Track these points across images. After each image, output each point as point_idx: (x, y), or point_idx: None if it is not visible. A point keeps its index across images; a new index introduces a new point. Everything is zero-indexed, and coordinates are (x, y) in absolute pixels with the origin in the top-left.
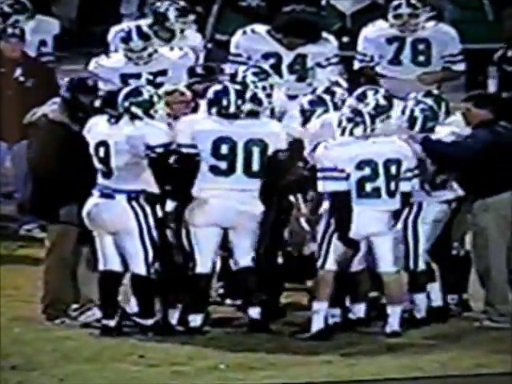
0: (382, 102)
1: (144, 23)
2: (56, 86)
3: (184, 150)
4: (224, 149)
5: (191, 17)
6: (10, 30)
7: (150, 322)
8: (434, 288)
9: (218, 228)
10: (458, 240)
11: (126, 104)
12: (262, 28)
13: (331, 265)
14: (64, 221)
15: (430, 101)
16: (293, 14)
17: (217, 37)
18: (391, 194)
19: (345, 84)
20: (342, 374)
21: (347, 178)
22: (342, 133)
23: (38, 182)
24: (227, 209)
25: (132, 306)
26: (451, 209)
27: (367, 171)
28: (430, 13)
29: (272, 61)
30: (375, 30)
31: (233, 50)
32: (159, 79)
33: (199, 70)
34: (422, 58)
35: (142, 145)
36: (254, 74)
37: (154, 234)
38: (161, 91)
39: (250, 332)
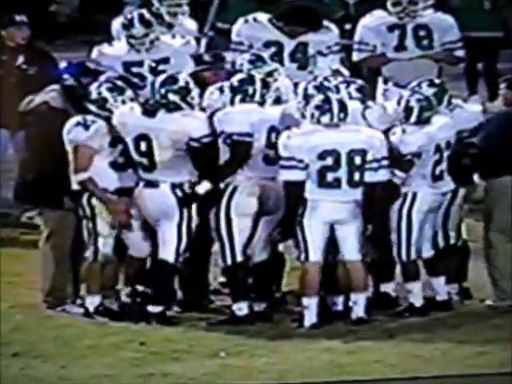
0: (355, 94)
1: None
2: None
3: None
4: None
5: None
6: (18, 18)
7: (157, 309)
8: (440, 281)
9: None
10: (454, 229)
11: (163, 91)
12: (263, 16)
13: (314, 256)
14: (68, 208)
15: (430, 90)
16: (294, 3)
17: (218, 25)
18: (353, 185)
19: (346, 72)
20: (343, 361)
21: (305, 167)
22: (311, 119)
23: (39, 169)
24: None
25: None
26: (446, 199)
27: (329, 161)
28: (429, 0)
29: (273, 49)
30: (374, 20)
31: (234, 38)
32: (161, 67)
33: (207, 58)
34: (425, 42)
35: (186, 138)
36: (250, 61)
37: (193, 224)
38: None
39: (253, 321)
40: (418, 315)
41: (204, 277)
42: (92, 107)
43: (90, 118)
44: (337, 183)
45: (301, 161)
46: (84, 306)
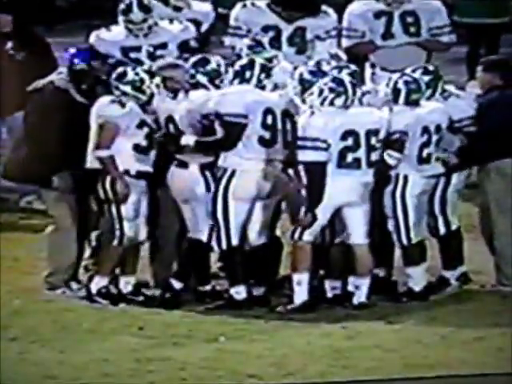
0: (347, 79)
1: None
2: (52, 59)
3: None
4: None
5: None
6: None
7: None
8: (417, 271)
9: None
10: (453, 215)
11: (192, 71)
12: (261, 1)
13: (308, 235)
14: (56, 187)
15: (425, 78)
16: None
17: (219, 10)
18: (370, 165)
19: (344, 57)
20: (342, 345)
21: (327, 148)
22: (322, 102)
23: (33, 147)
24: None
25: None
26: (440, 183)
27: (350, 141)
28: None
29: (271, 33)
30: (362, 5)
31: (232, 22)
32: (159, 52)
33: (193, 43)
34: (412, 30)
35: (198, 116)
36: (249, 47)
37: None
38: (158, 64)
39: (251, 306)
40: (418, 300)
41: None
42: (126, 88)
43: (122, 97)
44: (357, 164)
45: (325, 141)
46: (87, 286)
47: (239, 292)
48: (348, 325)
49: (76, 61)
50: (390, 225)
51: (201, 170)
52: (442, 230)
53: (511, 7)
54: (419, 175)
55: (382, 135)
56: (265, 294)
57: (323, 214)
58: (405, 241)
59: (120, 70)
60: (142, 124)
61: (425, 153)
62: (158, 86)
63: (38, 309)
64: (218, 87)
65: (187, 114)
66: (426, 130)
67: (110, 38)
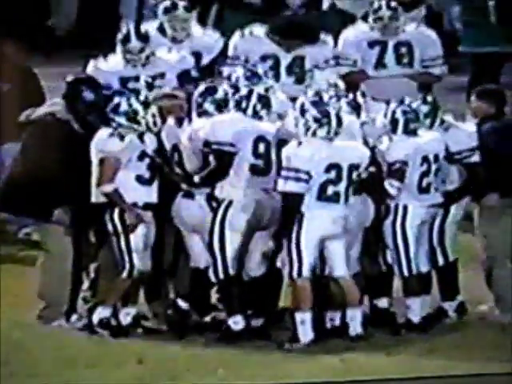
0: (345, 108)
1: (151, 26)
2: (39, 90)
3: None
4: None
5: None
6: None
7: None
8: (416, 302)
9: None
10: (451, 246)
11: (200, 100)
12: (260, 30)
13: (307, 272)
14: (56, 221)
15: (424, 108)
16: (290, 17)
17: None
18: (347, 199)
19: (342, 85)
20: (341, 378)
21: (309, 180)
22: (306, 132)
23: (34, 180)
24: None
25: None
26: (438, 214)
27: (333, 175)
28: (411, 13)
29: (270, 62)
30: (357, 34)
31: (231, 52)
32: (158, 82)
33: (194, 73)
34: (405, 60)
35: (200, 144)
36: (247, 78)
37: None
38: (154, 95)
39: (250, 337)
40: (416, 331)
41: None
42: (121, 120)
43: (120, 130)
44: (336, 197)
45: (308, 173)
46: (89, 317)
47: (237, 322)
48: (347, 356)
49: (85, 94)
50: (390, 256)
51: (207, 200)
52: (441, 261)
53: None
54: (419, 205)
55: (361, 170)
56: (264, 325)
57: (307, 247)
58: (405, 271)
59: (115, 101)
60: (142, 155)
61: (424, 182)
62: (153, 115)
63: (37, 343)
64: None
65: (189, 142)
66: (425, 159)
67: (109, 68)
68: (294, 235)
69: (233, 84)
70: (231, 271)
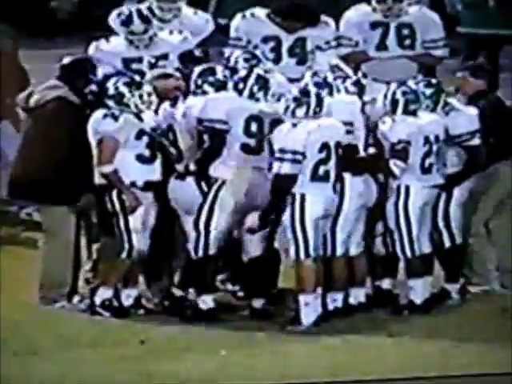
0: (352, 89)
1: (143, 6)
2: (22, 73)
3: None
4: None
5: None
6: None
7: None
8: (418, 283)
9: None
10: (459, 229)
11: (199, 82)
12: (261, 11)
13: (313, 252)
14: (83, 206)
15: (428, 91)
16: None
17: (219, 21)
18: (337, 177)
19: (345, 67)
20: (344, 359)
21: (302, 161)
22: (285, 112)
23: (53, 166)
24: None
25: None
26: (442, 196)
27: (323, 154)
28: None
29: (272, 44)
30: (358, 15)
31: (233, 33)
32: (161, 63)
33: (197, 53)
34: (407, 42)
35: (194, 121)
36: (245, 59)
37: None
38: (150, 75)
39: (253, 319)
40: (418, 312)
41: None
42: (110, 103)
43: (115, 110)
44: (327, 176)
45: (303, 154)
46: (91, 299)
47: (206, 302)
48: (348, 337)
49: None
50: (394, 237)
51: (197, 181)
52: (447, 243)
53: None
54: (421, 185)
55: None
56: (264, 306)
57: (311, 227)
58: (408, 253)
59: (106, 84)
60: (140, 134)
61: (427, 163)
62: (149, 94)
63: (38, 322)
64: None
65: (183, 119)
66: (427, 139)
67: (111, 49)
68: (297, 216)
69: (231, 66)
70: (211, 251)
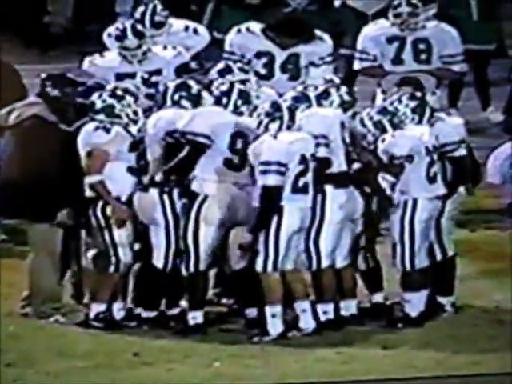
0: (347, 97)
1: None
2: (21, 87)
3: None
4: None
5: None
6: None
7: (152, 314)
8: (414, 296)
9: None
10: (449, 241)
11: (176, 97)
12: (256, 26)
13: (281, 265)
14: (60, 222)
15: (411, 103)
16: (287, 14)
17: (214, 35)
18: (313, 189)
19: (338, 81)
20: (337, 371)
21: (285, 173)
22: (258, 127)
23: (29, 184)
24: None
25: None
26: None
27: (302, 166)
28: (431, 11)
29: (264, 60)
30: (376, 29)
31: (227, 47)
32: (154, 78)
33: (194, 65)
34: (423, 57)
35: (162, 132)
36: (219, 71)
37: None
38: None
39: (247, 329)
40: (413, 326)
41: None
42: (101, 117)
43: (106, 122)
44: (306, 188)
45: (285, 165)
46: (87, 313)
47: (195, 317)
48: (343, 350)
49: (48, 89)
50: (396, 249)
51: (160, 194)
52: (439, 256)
53: (498, 34)
54: (428, 197)
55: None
56: (258, 316)
57: (284, 241)
58: (408, 266)
59: (92, 99)
60: (132, 146)
61: (432, 172)
62: (129, 105)
63: (33, 334)
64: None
65: (153, 129)
66: (428, 150)
67: (104, 64)
68: (273, 229)
69: (210, 79)
70: (202, 266)
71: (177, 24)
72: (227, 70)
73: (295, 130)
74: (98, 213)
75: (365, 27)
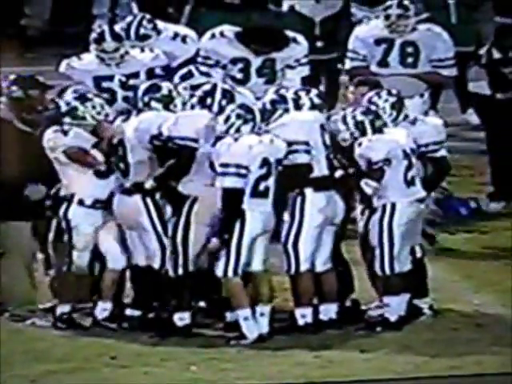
0: (317, 100)
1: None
2: None
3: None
4: None
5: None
6: None
7: (136, 313)
8: (394, 300)
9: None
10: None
11: (146, 99)
12: (230, 31)
13: (241, 269)
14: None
15: (390, 99)
16: (260, 21)
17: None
18: (273, 194)
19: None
20: (315, 375)
21: (247, 175)
22: (228, 129)
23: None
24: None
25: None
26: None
27: (264, 170)
28: (423, 15)
29: (240, 65)
30: (367, 30)
31: (202, 52)
32: (132, 81)
33: (158, 71)
34: (410, 60)
35: (148, 135)
36: (180, 77)
37: (171, 229)
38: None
39: (226, 332)
40: (391, 329)
41: None
42: (67, 119)
43: (66, 124)
44: (266, 192)
45: (246, 168)
46: (54, 315)
47: (183, 318)
48: (321, 354)
49: (13, 88)
50: (375, 253)
51: (143, 198)
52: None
53: (477, 36)
54: (407, 201)
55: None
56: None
57: (245, 246)
58: (387, 270)
59: (58, 103)
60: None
61: (409, 176)
62: (102, 105)
63: (8, 338)
64: (173, 112)
65: (135, 132)
66: (405, 153)
67: (82, 66)
68: (236, 233)
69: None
70: (191, 267)
71: (166, 32)
72: (188, 75)
73: (269, 135)
74: (61, 215)
75: (357, 27)
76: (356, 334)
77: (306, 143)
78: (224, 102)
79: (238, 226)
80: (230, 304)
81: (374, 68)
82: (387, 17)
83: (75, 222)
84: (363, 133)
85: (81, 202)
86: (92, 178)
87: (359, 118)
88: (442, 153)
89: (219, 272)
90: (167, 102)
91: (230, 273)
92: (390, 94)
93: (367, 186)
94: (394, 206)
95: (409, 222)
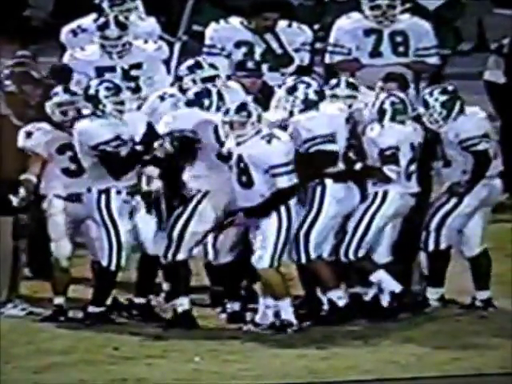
0: (312, 96)
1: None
2: None
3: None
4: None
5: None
6: None
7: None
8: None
9: None
10: (447, 235)
11: (93, 91)
12: (236, 19)
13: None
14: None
15: (442, 98)
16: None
17: (194, 28)
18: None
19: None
20: (318, 367)
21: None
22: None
23: None
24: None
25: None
26: (414, 204)
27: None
28: (406, 4)
29: (244, 49)
30: (351, 22)
31: (207, 41)
32: (134, 72)
33: (133, 73)
34: (401, 49)
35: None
36: (188, 67)
37: (121, 227)
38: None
39: (229, 323)
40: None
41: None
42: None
43: (37, 125)
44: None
45: (290, 163)
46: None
47: (183, 304)
48: (324, 345)
49: (7, 82)
50: (344, 238)
51: (98, 196)
52: (431, 246)
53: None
54: (400, 192)
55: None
56: (240, 309)
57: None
58: (352, 256)
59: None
60: (62, 149)
61: (410, 169)
62: (115, 103)
63: (11, 329)
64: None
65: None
66: (412, 146)
67: (85, 57)
68: (276, 226)
69: (179, 75)
70: (181, 256)
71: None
72: (197, 66)
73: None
74: (41, 207)
75: (338, 20)
76: (359, 326)
77: (332, 135)
78: (221, 103)
79: (277, 219)
80: (232, 295)
81: (366, 59)
82: (376, 7)
83: (50, 211)
84: (380, 120)
85: (58, 196)
86: (61, 176)
87: (385, 106)
88: (485, 146)
89: (263, 263)
90: (116, 92)
91: (275, 263)
92: (443, 91)
93: (391, 171)
94: (385, 194)
95: (395, 216)
